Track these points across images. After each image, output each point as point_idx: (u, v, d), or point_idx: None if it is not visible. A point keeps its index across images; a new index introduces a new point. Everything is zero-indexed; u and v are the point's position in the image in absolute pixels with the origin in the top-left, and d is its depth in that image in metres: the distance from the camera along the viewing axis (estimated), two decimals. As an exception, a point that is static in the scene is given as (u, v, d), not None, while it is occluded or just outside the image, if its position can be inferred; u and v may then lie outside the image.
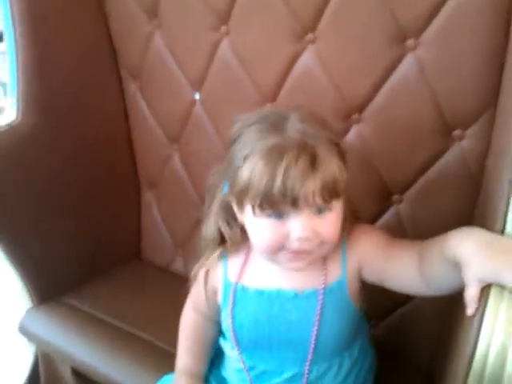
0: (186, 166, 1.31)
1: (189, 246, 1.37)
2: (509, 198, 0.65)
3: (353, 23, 0.94)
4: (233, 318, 0.81)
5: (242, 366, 0.85)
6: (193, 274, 0.88)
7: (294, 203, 0.67)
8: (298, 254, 0.71)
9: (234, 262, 0.84)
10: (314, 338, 0.78)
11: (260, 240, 0.73)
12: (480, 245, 0.61)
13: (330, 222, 0.71)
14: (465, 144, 0.92)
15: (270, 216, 0.70)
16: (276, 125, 0.70)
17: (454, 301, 0.78)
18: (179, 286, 1.34)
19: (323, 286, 0.78)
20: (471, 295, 0.61)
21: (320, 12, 0.96)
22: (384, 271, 0.76)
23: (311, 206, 0.68)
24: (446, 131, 0.92)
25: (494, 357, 0.59)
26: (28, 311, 1.26)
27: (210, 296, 0.87)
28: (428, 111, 0.91)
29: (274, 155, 0.67)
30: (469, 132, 0.90)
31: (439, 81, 0.89)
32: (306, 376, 0.81)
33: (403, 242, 0.78)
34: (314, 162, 0.67)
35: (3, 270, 1.23)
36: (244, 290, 0.82)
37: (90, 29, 1.27)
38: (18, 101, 1.19)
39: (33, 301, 1.27)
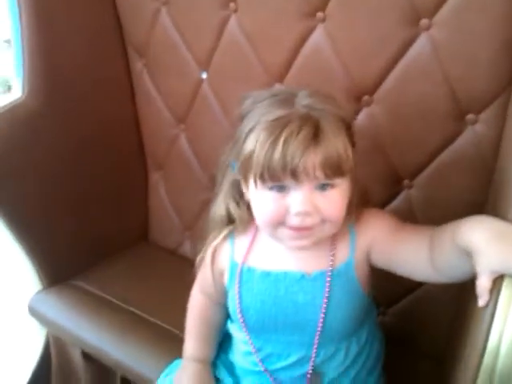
0: (193, 146, 1.29)
1: (196, 227, 1.37)
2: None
3: (364, 1, 0.90)
4: (240, 299, 0.81)
5: (249, 348, 0.84)
6: (199, 257, 0.88)
7: (294, 175, 0.67)
8: (299, 230, 0.71)
9: (241, 243, 0.83)
10: (321, 321, 0.77)
11: (261, 213, 0.73)
12: (493, 234, 0.60)
13: (332, 200, 0.70)
14: (478, 128, 0.89)
15: (271, 189, 0.70)
16: (285, 100, 0.71)
17: (464, 288, 0.77)
18: (188, 268, 1.35)
19: (331, 268, 0.77)
20: (483, 286, 0.60)
21: (330, -10, 0.93)
22: (393, 255, 0.75)
23: (312, 180, 0.68)
24: (458, 115, 0.89)
25: (505, 349, 0.59)
26: (37, 293, 1.26)
27: (217, 278, 0.86)
28: (441, 94, 0.89)
29: (277, 126, 0.67)
30: (482, 116, 0.88)
31: (453, 63, 0.86)
32: (312, 359, 0.80)
33: (414, 226, 0.77)
34: (316, 135, 0.67)
35: (14, 253, 1.23)
36: (250, 271, 0.81)
37: (97, 6, 1.24)
38: (23, 78, 1.17)
39: (42, 283, 1.27)
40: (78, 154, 1.27)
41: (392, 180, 1.00)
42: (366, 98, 0.97)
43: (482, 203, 0.89)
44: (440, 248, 0.68)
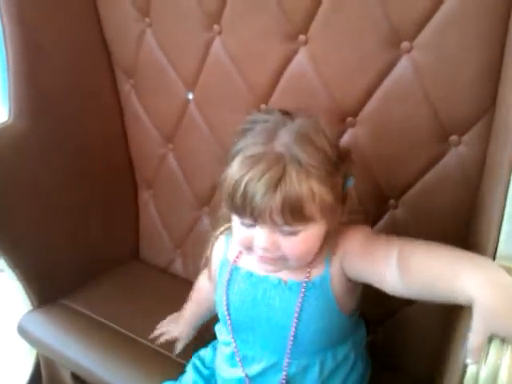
0: (182, 165, 1.29)
1: (187, 245, 1.37)
2: (501, 218, 0.64)
3: (346, 25, 0.90)
4: (227, 295, 0.84)
5: (231, 348, 0.87)
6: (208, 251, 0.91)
7: (253, 215, 0.69)
8: (263, 259, 0.74)
9: (235, 245, 0.85)
10: (293, 329, 0.79)
11: (234, 236, 0.77)
12: (501, 294, 0.57)
13: (294, 243, 0.71)
14: (461, 150, 0.89)
15: (240, 221, 0.73)
16: (270, 131, 0.71)
17: (452, 311, 0.76)
18: (179, 286, 1.36)
19: (306, 279, 0.78)
20: (477, 345, 0.58)
21: (312, 13, 0.93)
22: (362, 270, 0.75)
23: (270, 223, 0.69)
24: (442, 136, 0.89)
25: (485, 375, 0.59)
26: (27, 313, 1.26)
27: (213, 272, 0.91)
28: (424, 116, 0.89)
29: (248, 165, 0.68)
30: (465, 138, 0.88)
31: (435, 85, 0.86)
32: (285, 369, 0.82)
33: (384, 243, 0.75)
34: (279, 181, 0.67)
35: (3, 272, 1.23)
36: (237, 269, 0.85)
37: (83, 27, 1.24)
38: (9, 102, 1.17)
39: (32, 303, 1.27)
40: (67, 174, 1.27)
41: (377, 200, 0.99)
42: (349, 119, 0.97)
43: (466, 224, 0.89)
44: (421, 276, 0.67)
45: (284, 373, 0.82)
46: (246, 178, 0.67)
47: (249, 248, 0.74)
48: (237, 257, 0.85)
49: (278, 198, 0.66)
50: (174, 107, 1.22)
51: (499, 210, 0.66)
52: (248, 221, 0.71)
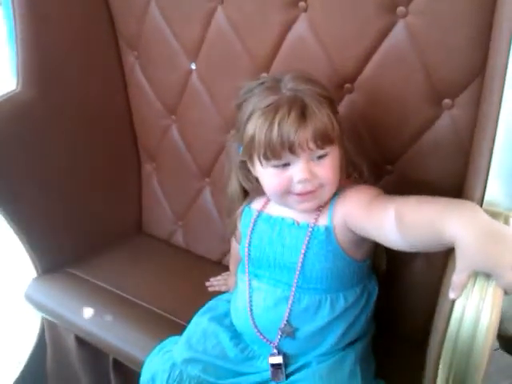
0: (184, 136, 1.32)
1: (188, 217, 1.40)
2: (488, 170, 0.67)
3: (343, -10, 0.93)
4: (250, 236, 0.94)
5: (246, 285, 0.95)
6: (229, 229, 1.04)
7: (291, 150, 0.79)
8: (303, 195, 0.83)
9: (257, 201, 0.97)
10: (299, 263, 0.87)
11: (270, 187, 0.86)
12: (481, 232, 0.61)
13: (326, 166, 0.82)
14: (454, 113, 0.91)
15: (274, 166, 0.82)
16: (272, 87, 0.83)
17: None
18: (180, 256, 1.38)
19: (314, 222, 0.87)
20: (460, 282, 0.63)
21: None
22: (363, 228, 0.81)
23: (307, 152, 0.80)
24: (435, 100, 0.92)
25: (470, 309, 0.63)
26: (33, 280, 1.30)
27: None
28: (418, 80, 0.91)
29: (270, 112, 0.80)
30: (458, 100, 0.90)
31: (429, 49, 0.89)
32: (291, 301, 0.88)
33: (384, 202, 0.79)
34: (304, 113, 0.79)
35: (11, 240, 1.28)
36: (260, 214, 0.94)
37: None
38: (17, 71, 1.21)
39: (37, 270, 1.30)
40: (71, 143, 1.31)
41: (375, 165, 1.01)
42: (347, 85, 0.99)
43: (460, 186, 0.91)
44: (415, 225, 0.71)
45: (289, 304, 0.89)
46: (276, 122, 0.78)
47: (286, 192, 0.83)
48: (263, 206, 0.95)
49: (309, 128, 0.78)
50: (177, 78, 1.24)
51: (486, 160, 0.69)
52: (284, 160, 0.80)
